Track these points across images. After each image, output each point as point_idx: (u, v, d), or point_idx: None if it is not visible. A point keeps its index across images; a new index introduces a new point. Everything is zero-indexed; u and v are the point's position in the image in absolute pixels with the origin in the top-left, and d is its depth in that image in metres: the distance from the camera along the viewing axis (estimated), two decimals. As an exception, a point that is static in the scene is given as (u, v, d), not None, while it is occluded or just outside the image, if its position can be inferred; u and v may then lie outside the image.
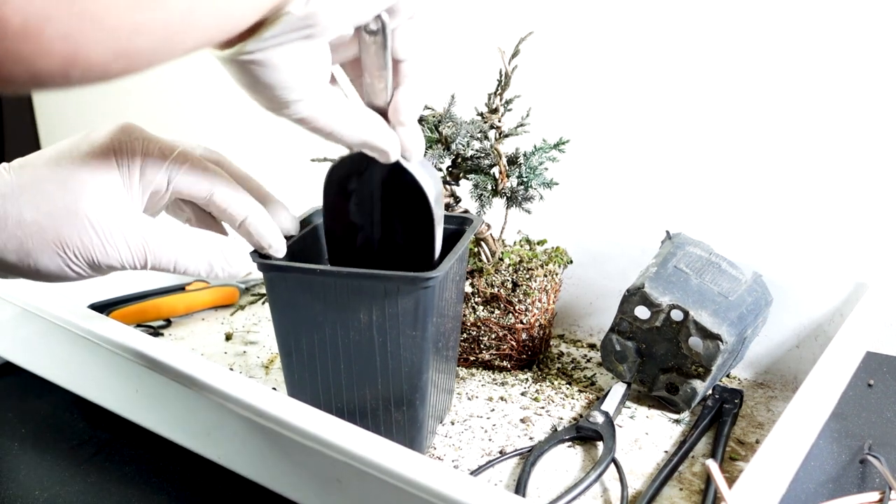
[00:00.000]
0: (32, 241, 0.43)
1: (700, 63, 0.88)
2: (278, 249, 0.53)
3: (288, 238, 0.55)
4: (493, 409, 0.66)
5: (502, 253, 0.72)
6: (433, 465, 0.42)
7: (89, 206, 0.43)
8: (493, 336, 0.71)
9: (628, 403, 0.67)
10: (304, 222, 0.63)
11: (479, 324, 0.70)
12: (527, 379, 0.71)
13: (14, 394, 0.71)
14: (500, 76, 0.69)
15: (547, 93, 0.95)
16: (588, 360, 0.75)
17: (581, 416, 0.65)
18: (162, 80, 1.36)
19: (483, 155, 0.69)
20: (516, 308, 0.69)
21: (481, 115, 0.70)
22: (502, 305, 0.69)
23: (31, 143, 1.67)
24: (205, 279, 0.50)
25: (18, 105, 1.63)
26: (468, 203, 0.70)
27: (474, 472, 0.57)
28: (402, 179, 0.51)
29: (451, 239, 0.63)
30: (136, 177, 0.46)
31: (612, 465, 0.57)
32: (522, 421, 0.64)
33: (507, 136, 0.70)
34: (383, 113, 0.48)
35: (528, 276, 0.70)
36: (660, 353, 0.65)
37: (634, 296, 0.64)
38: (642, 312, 0.64)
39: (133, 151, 0.46)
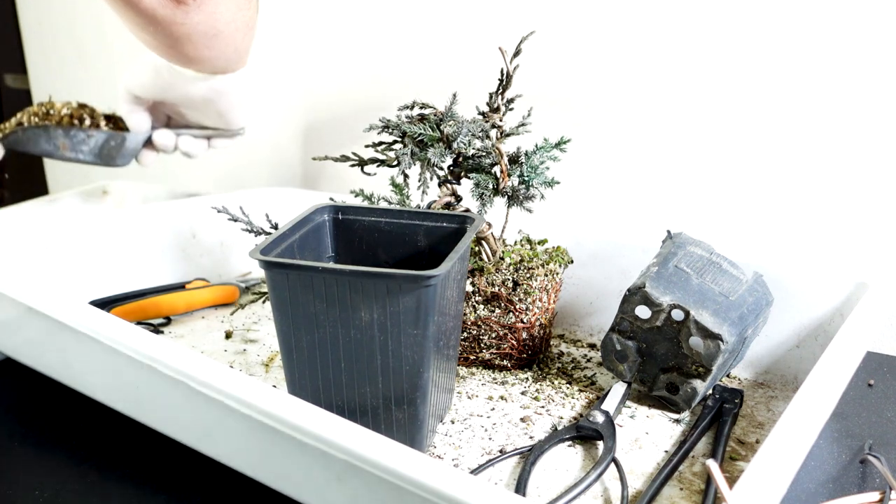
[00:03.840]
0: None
1: (701, 63, 0.88)
2: None
3: None
4: (493, 409, 0.66)
5: (503, 252, 0.72)
6: (433, 464, 0.42)
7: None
8: (493, 335, 0.71)
9: (628, 403, 0.67)
10: (305, 220, 0.64)
11: (479, 323, 0.70)
12: (527, 378, 0.71)
13: (14, 393, 0.71)
14: (502, 75, 0.69)
15: (548, 92, 0.95)
16: (588, 360, 0.75)
17: (581, 415, 0.65)
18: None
19: (484, 154, 0.69)
20: (517, 307, 0.69)
21: (483, 114, 0.70)
22: (503, 304, 0.69)
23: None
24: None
25: (19, 111, 1.63)
26: (469, 202, 0.70)
27: (474, 471, 0.57)
28: None
29: (453, 238, 0.63)
30: None
31: (613, 465, 0.57)
32: (523, 420, 0.64)
33: (508, 135, 0.70)
34: None
35: (528, 275, 0.70)
36: (660, 352, 0.65)
37: (635, 295, 0.64)
38: (643, 312, 0.64)
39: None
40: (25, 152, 0.77)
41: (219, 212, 0.71)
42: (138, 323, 0.81)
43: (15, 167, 1.66)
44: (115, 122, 0.84)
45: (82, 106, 0.80)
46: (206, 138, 0.78)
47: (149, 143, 0.80)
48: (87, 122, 0.78)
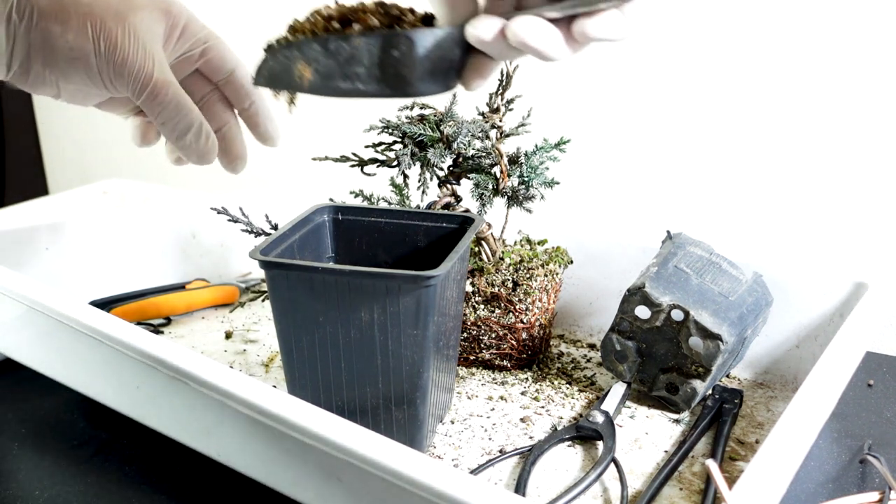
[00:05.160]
0: (76, 20, 0.49)
1: (700, 63, 0.88)
2: (278, 133, 0.60)
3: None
4: (493, 409, 0.66)
5: (503, 252, 0.72)
6: (433, 464, 0.42)
7: (136, 20, 0.50)
8: (493, 335, 0.71)
9: (628, 403, 0.67)
10: (306, 220, 0.64)
11: (479, 323, 0.70)
12: (527, 378, 0.71)
13: (14, 394, 0.71)
14: (502, 76, 0.69)
15: (548, 93, 0.95)
16: (588, 360, 0.75)
17: (581, 415, 0.65)
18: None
19: (484, 154, 0.69)
20: (517, 307, 0.69)
21: (482, 114, 0.70)
22: (503, 305, 0.69)
23: (32, 151, 1.67)
24: (174, 141, 0.55)
25: (19, 111, 1.63)
26: (469, 202, 0.70)
27: (474, 471, 0.57)
28: None
29: (452, 238, 0.63)
30: (179, 30, 0.54)
31: (612, 465, 0.57)
32: (522, 420, 0.64)
33: (508, 135, 0.70)
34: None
35: (528, 275, 0.70)
36: (660, 352, 0.65)
37: (635, 295, 0.64)
38: (643, 312, 0.64)
39: (181, 9, 0.54)
40: (290, 90, 0.46)
41: (218, 213, 0.71)
42: (138, 323, 0.81)
43: (15, 166, 1.66)
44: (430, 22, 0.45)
45: (380, 4, 0.45)
46: (568, 16, 0.39)
47: (473, 50, 0.43)
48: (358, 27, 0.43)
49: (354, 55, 0.42)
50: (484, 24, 0.40)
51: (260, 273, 0.94)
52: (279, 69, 0.44)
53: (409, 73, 0.42)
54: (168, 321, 0.83)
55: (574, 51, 0.40)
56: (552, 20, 0.39)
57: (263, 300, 0.83)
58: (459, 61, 0.42)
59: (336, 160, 0.71)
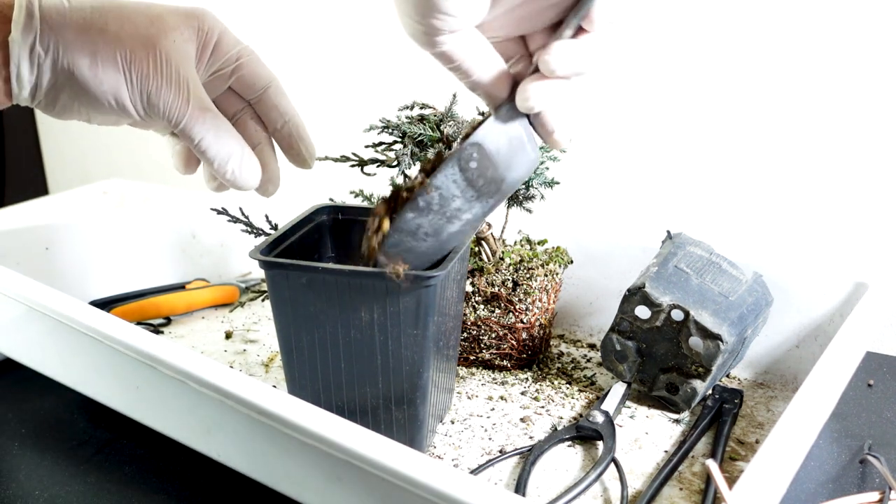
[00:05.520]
0: (104, 51, 0.46)
1: (700, 63, 0.88)
2: (313, 156, 0.56)
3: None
4: (493, 409, 0.66)
5: (503, 252, 0.72)
6: (433, 464, 0.42)
7: (168, 44, 0.47)
8: (493, 335, 0.71)
9: (628, 403, 0.67)
10: (306, 220, 0.64)
11: (479, 323, 0.70)
12: (527, 378, 0.71)
13: (14, 394, 0.71)
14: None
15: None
16: (588, 360, 0.75)
17: (581, 415, 0.65)
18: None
19: (484, 154, 0.69)
20: (517, 307, 0.69)
21: (483, 114, 0.70)
22: (503, 305, 0.69)
23: (32, 151, 1.67)
24: (214, 169, 0.50)
25: (19, 111, 1.63)
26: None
27: (474, 471, 0.57)
28: None
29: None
30: (211, 47, 0.51)
31: (612, 465, 0.57)
32: (522, 420, 0.64)
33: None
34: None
35: (528, 275, 0.70)
36: (660, 352, 0.65)
37: (635, 295, 0.64)
38: (643, 312, 0.64)
39: (214, 24, 0.51)
40: (420, 264, 0.50)
41: (218, 213, 0.71)
42: (138, 323, 0.81)
43: (15, 166, 1.66)
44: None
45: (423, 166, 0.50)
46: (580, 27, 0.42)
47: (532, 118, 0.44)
48: (420, 177, 0.48)
49: (444, 194, 0.44)
50: (523, 87, 0.43)
51: (260, 273, 0.94)
52: (399, 252, 0.47)
53: (496, 171, 0.43)
54: (168, 321, 0.83)
55: (602, 55, 0.42)
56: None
57: (263, 300, 0.83)
58: (529, 130, 0.44)
59: (336, 160, 0.71)
